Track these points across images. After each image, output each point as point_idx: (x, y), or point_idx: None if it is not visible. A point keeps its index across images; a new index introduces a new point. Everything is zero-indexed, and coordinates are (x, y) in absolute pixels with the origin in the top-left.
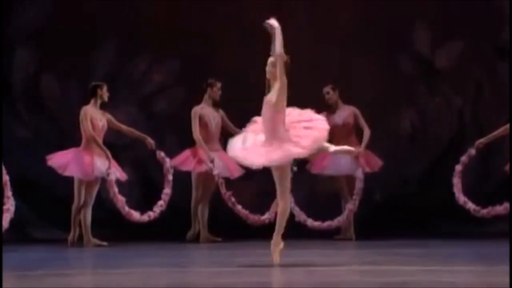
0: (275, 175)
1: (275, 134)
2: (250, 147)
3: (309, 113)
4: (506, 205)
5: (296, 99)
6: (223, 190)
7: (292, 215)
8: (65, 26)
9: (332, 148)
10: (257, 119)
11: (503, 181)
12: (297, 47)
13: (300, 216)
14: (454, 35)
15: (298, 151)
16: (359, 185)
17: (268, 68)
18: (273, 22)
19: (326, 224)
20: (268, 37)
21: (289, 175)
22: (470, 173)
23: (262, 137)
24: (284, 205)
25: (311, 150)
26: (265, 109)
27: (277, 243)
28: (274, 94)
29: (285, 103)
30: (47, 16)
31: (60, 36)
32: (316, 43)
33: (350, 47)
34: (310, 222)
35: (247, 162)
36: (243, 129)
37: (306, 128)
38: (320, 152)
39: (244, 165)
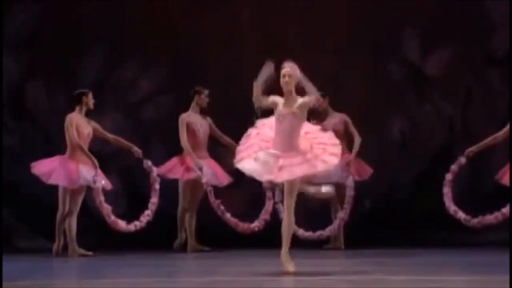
0: (286, 188)
1: (295, 145)
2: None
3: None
4: (497, 214)
5: None
6: (212, 198)
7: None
8: (52, 32)
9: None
10: (251, 133)
11: (493, 190)
12: (287, 55)
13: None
14: (444, 42)
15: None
16: (349, 193)
17: (286, 80)
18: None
19: (317, 234)
20: (257, 43)
21: (296, 190)
22: (460, 182)
23: (272, 151)
24: (288, 218)
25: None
26: (288, 120)
27: (287, 258)
28: (300, 107)
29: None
30: (34, 23)
31: (47, 42)
32: (305, 50)
33: (339, 53)
34: (301, 232)
35: (266, 177)
36: (238, 142)
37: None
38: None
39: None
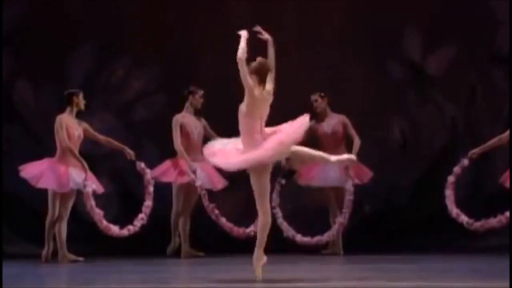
0: (254, 187)
1: (252, 143)
2: (227, 149)
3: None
4: (500, 218)
5: (283, 106)
6: (206, 202)
7: (280, 230)
8: (40, 29)
9: (330, 158)
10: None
11: (497, 193)
12: (284, 54)
13: (289, 231)
14: (446, 40)
15: (259, 153)
16: (349, 197)
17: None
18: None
19: (316, 239)
20: (251, 45)
21: (267, 187)
22: (463, 184)
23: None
24: (263, 218)
25: (275, 152)
26: (239, 118)
27: (259, 258)
28: (244, 103)
29: (258, 109)
30: (21, 18)
31: (35, 39)
32: (303, 49)
33: (339, 53)
34: (299, 238)
35: (213, 161)
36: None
37: (273, 132)
38: (312, 161)
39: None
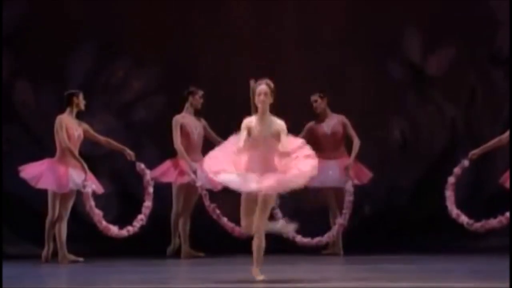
0: (260, 204)
1: (272, 166)
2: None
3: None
4: (500, 218)
5: (283, 106)
6: (207, 202)
7: None
8: (40, 29)
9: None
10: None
11: (497, 194)
12: (284, 55)
13: (289, 232)
14: (446, 40)
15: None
16: (348, 198)
17: (262, 98)
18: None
19: (316, 240)
20: (252, 45)
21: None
22: (463, 185)
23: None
24: (259, 240)
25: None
26: (268, 148)
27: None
28: (273, 136)
29: None
30: (21, 18)
31: (35, 39)
32: (303, 50)
33: (339, 53)
34: (299, 238)
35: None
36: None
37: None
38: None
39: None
